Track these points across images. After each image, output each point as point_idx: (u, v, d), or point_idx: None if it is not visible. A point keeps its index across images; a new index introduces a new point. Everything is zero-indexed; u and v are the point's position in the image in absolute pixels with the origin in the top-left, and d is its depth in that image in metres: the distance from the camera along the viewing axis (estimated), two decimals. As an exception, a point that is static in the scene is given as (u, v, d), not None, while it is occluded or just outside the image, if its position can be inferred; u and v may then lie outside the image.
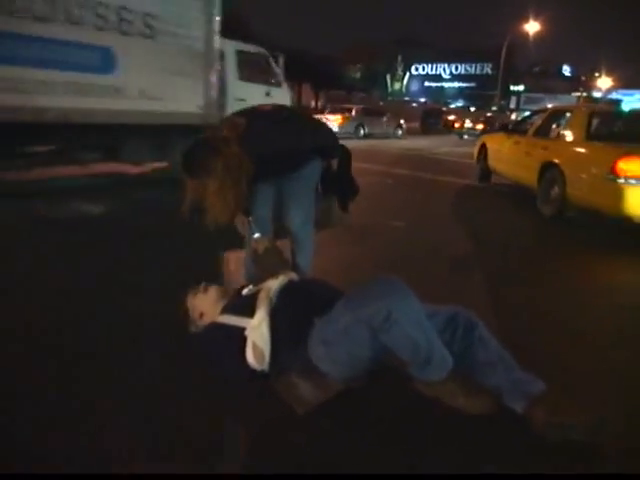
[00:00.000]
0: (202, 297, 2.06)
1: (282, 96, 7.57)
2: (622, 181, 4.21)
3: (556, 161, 5.22)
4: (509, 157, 6.89)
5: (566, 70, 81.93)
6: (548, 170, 5.34)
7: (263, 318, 1.77)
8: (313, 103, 26.68)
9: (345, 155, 2.39)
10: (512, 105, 65.57)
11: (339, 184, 2.41)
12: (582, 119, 5.42)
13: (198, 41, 5.31)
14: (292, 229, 2.43)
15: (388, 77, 60.02)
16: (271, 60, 7.78)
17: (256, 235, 2.26)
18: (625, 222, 4.38)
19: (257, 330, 1.75)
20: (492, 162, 7.62)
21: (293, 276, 2.02)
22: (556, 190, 5.13)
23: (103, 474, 1.40)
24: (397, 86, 61.77)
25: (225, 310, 1.96)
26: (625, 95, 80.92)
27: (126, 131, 4.97)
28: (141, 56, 4.82)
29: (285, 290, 1.88)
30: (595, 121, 5.43)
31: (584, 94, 76.66)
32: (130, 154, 5.26)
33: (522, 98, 67.20)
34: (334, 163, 2.38)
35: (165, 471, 1.41)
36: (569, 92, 72.53)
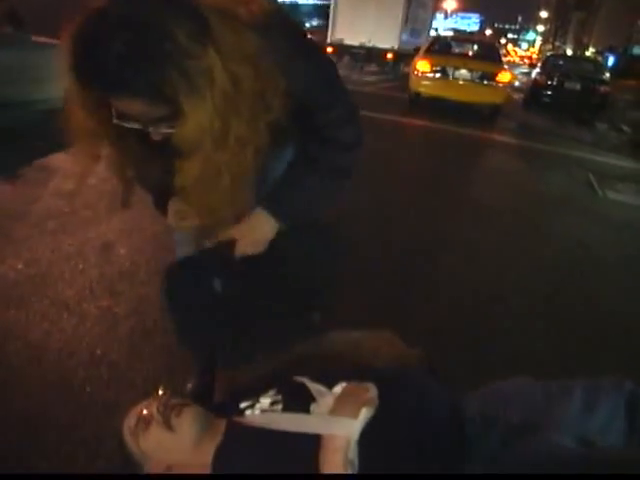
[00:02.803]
0: (165, 437, 1.02)
1: None
2: (417, 74, 8.25)
3: (411, 67, 9.07)
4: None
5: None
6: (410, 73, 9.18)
7: None
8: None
9: None
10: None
11: None
12: (429, 42, 9.76)
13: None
14: None
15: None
16: None
17: None
18: (419, 96, 8.37)
19: None
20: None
21: (374, 397, 1.02)
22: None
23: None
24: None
25: (224, 469, 0.98)
26: (463, 18, 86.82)
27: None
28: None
29: (376, 437, 0.93)
30: (436, 44, 9.53)
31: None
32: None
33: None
34: None
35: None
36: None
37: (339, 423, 0.93)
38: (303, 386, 1.07)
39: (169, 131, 0.81)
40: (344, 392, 0.98)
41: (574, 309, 2.31)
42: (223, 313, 1.26)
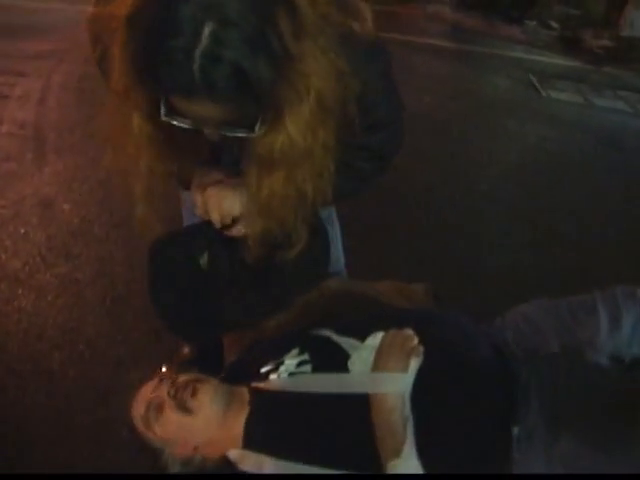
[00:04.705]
0: (184, 421, 0.91)
1: None
2: None
3: None
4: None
5: None
6: None
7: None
8: None
9: None
10: None
11: None
12: None
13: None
14: None
15: None
16: None
17: None
18: None
19: None
20: None
21: (419, 345, 0.93)
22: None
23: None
24: None
25: (258, 442, 0.90)
26: None
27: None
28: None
29: (426, 387, 0.85)
30: None
31: None
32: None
33: None
34: None
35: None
36: None
37: (388, 379, 0.84)
38: (330, 341, 0.98)
39: (242, 136, 0.68)
40: (384, 343, 0.89)
41: (554, 215, 2.31)
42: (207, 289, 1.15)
